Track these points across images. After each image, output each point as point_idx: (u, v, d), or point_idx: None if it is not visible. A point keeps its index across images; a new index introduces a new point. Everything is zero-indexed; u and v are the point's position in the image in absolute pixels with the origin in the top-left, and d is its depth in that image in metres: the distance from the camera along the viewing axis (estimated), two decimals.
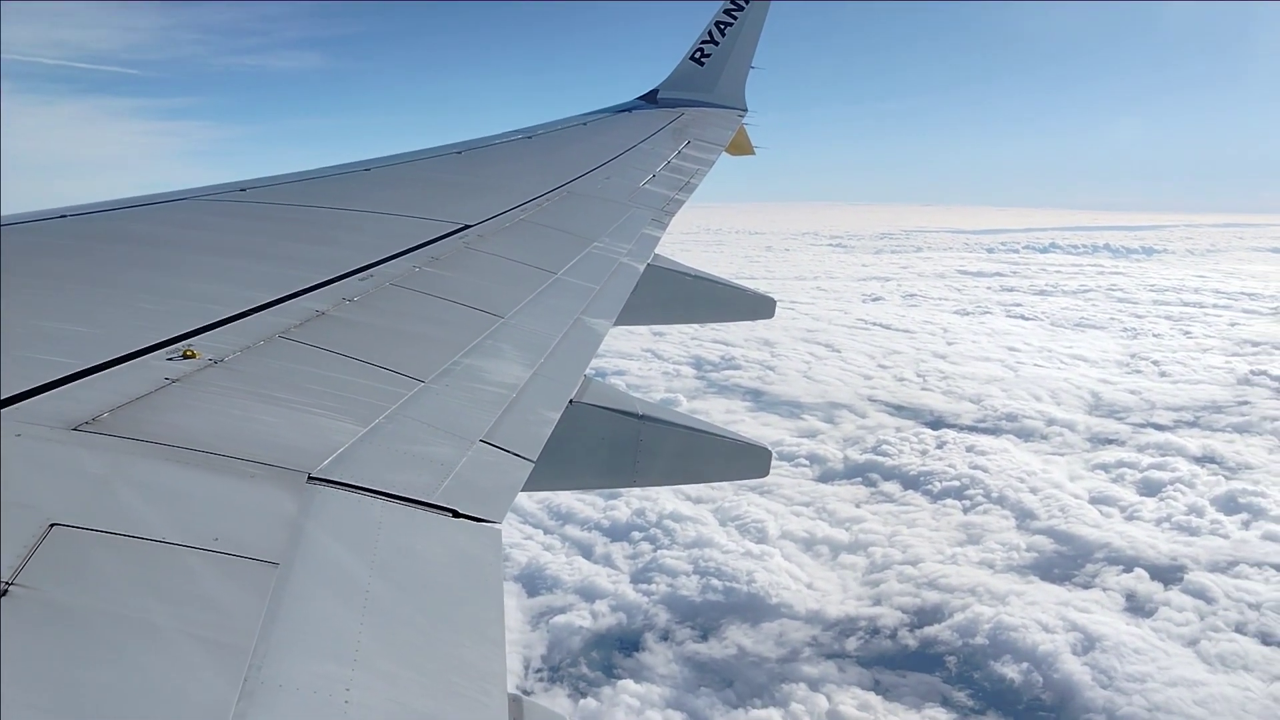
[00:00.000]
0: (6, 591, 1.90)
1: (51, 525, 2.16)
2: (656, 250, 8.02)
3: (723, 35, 17.17)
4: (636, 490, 41.59)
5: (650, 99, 16.97)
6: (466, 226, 6.59)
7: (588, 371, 4.97)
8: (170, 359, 3.38)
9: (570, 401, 4.35)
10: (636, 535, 38.53)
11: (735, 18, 17.08)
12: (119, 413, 2.85)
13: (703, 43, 17.27)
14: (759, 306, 9.41)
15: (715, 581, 34.72)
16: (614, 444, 5.02)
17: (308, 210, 6.93)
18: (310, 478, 2.75)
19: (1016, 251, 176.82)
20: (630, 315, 6.51)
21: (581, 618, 32.50)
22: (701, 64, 17.22)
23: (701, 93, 17.15)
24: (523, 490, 3.31)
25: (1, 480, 2.30)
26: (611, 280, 6.38)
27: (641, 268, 7.05)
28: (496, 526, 2.87)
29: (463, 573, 2.61)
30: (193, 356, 3.41)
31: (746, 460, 5.80)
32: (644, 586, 34.69)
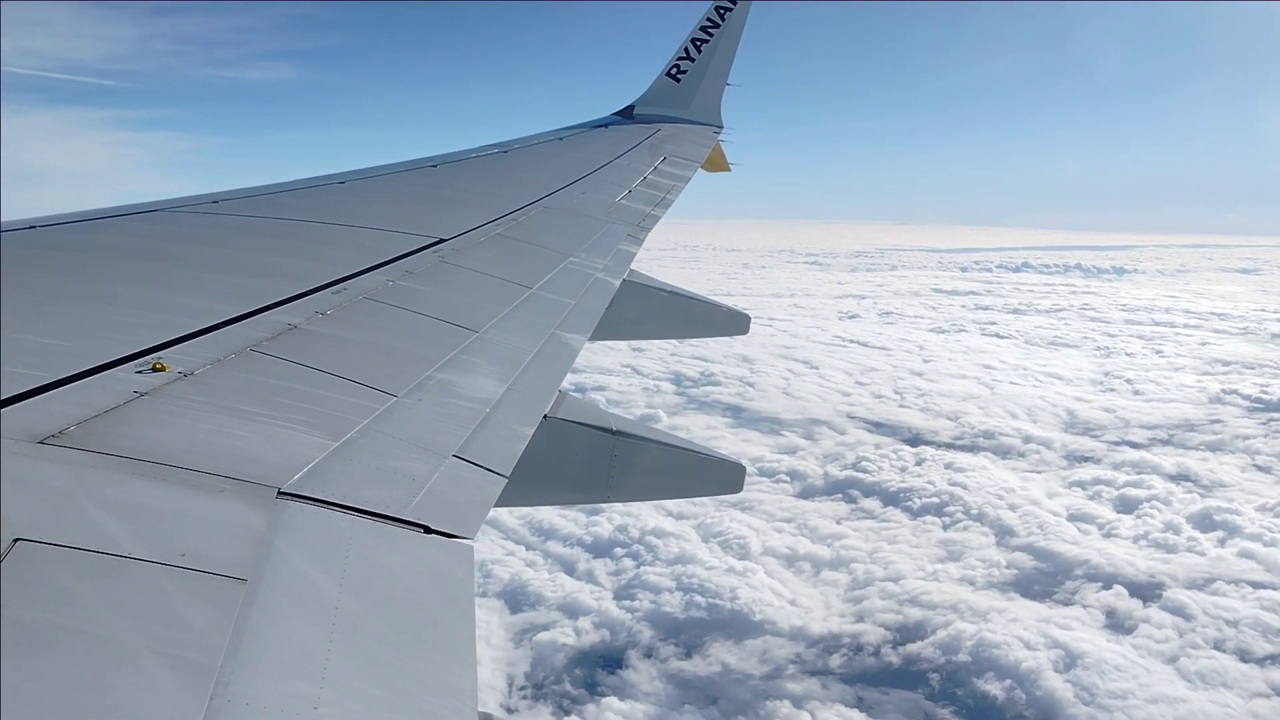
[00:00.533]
0: None
1: (15, 540, 2.12)
2: (632, 266, 8.02)
3: (699, 51, 17.17)
4: (619, 506, 41.51)
5: (626, 115, 16.93)
6: (441, 240, 6.56)
7: (564, 386, 4.97)
8: (139, 372, 3.33)
9: (544, 416, 4.34)
10: (619, 551, 38.43)
11: (711, 34, 17.10)
12: (87, 426, 2.81)
13: (679, 59, 17.27)
14: (734, 323, 9.42)
15: (698, 598, 34.66)
16: (588, 459, 5.00)
17: (280, 223, 6.88)
18: (280, 493, 2.72)
19: (990, 270, 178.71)
20: (606, 330, 6.51)
21: (565, 635, 32.34)
22: (678, 80, 17.22)
23: (678, 109, 17.12)
24: (496, 506, 3.29)
25: None
26: (587, 295, 6.38)
27: (617, 283, 7.06)
28: (468, 543, 2.83)
29: (434, 589, 2.59)
30: (162, 369, 3.36)
31: (721, 476, 5.78)
32: (627, 603, 34.57)
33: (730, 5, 16.99)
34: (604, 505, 41.50)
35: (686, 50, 17.24)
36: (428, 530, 2.82)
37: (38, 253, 5.02)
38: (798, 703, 29.39)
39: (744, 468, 5.83)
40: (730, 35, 17.16)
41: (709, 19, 17.06)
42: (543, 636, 32.18)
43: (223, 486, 2.66)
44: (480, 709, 2.23)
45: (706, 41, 17.16)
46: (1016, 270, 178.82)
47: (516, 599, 34.63)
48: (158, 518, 2.44)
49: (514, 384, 4.32)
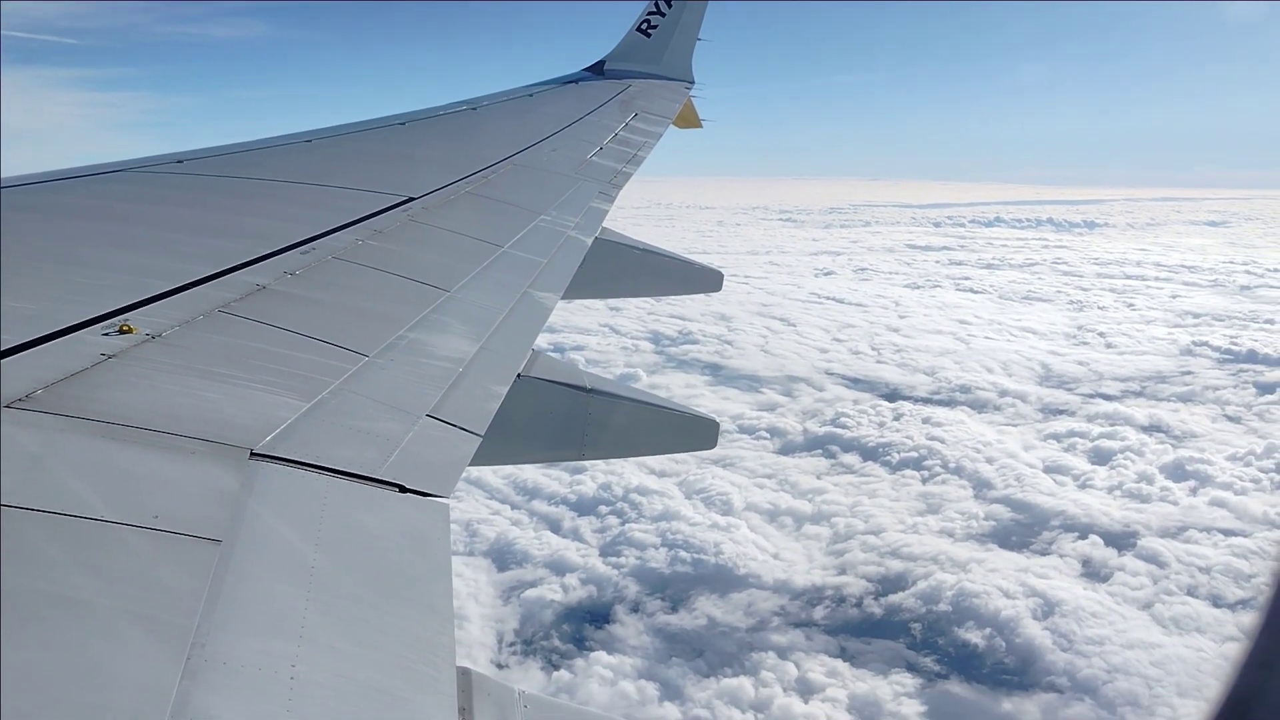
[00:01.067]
0: None
1: None
2: (604, 224, 8.03)
3: (669, 6, 17.01)
4: (601, 465, 41.69)
5: (597, 70, 16.80)
6: (410, 199, 6.52)
7: (542, 346, 4.89)
8: (106, 334, 3.28)
9: (518, 375, 4.35)
10: (604, 509, 38.69)
11: None
12: (54, 389, 2.77)
13: (649, 14, 17.11)
14: (707, 280, 9.44)
15: (683, 554, 35.01)
16: (562, 417, 5.01)
17: (247, 183, 6.80)
18: (252, 454, 2.69)
19: (963, 226, 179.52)
20: (578, 289, 6.54)
21: (552, 591, 32.63)
22: (648, 35, 17.08)
23: (648, 65, 17.00)
24: (471, 465, 3.28)
25: None
26: (559, 254, 6.37)
27: (589, 241, 7.04)
28: (444, 501, 2.84)
29: (410, 548, 2.58)
30: (129, 331, 3.32)
31: (694, 432, 5.86)
32: (613, 560, 34.88)
33: None
34: (587, 464, 41.86)
35: (657, 5, 17.08)
36: (403, 490, 2.82)
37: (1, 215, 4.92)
38: (782, 654, 29.82)
39: (718, 424, 5.91)
40: None
41: None
42: (530, 593, 32.46)
43: (194, 448, 2.63)
44: (461, 664, 2.25)
45: None
46: (989, 225, 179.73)
47: (503, 557, 34.86)
48: (129, 480, 2.42)
49: (486, 343, 4.30)
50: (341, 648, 2.09)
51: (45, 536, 2.07)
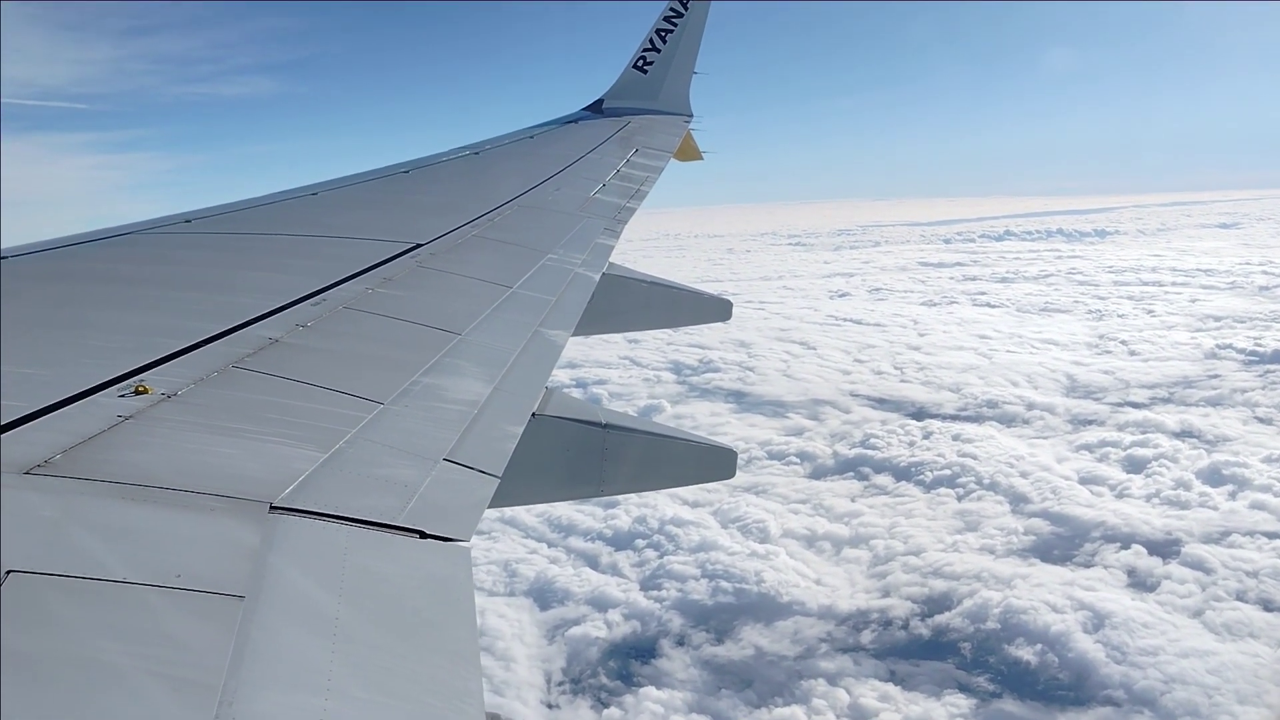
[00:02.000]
0: None
1: (8, 573, 2.11)
2: (611, 258, 8.01)
3: (664, 42, 17.17)
4: (634, 498, 41.65)
5: (596, 109, 16.94)
6: (418, 245, 6.52)
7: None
8: (122, 396, 3.29)
9: (533, 415, 4.33)
10: (640, 543, 38.54)
11: (675, 24, 17.13)
12: (72, 453, 2.79)
13: (645, 50, 17.27)
14: (716, 309, 9.40)
15: (724, 584, 34.80)
16: (579, 454, 5.00)
17: (256, 238, 6.85)
18: (272, 507, 2.69)
19: (973, 241, 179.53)
20: (589, 325, 6.49)
21: (596, 628, 32.47)
22: (645, 72, 17.23)
23: (646, 100, 17.14)
24: (490, 506, 3.26)
25: None
26: (568, 291, 6.33)
27: (597, 277, 7.02)
28: (465, 545, 2.82)
29: (433, 593, 2.58)
30: (145, 392, 3.32)
31: (713, 462, 5.81)
32: (654, 593, 34.70)
33: None
34: (619, 498, 41.89)
35: (651, 42, 17.24)
36: (423, 535, 2.81)
37: (11, 283, 4.96)
38: (832, 680, 29.54)
39: (735, 453, 5.84)
40: (694, 24, 17.21)
41: (672, 9, 17.10)
42: (575, 631, 32.30)
43: (214, 505, 2.64)
44: (493, 709, 2.24)
45: (671, 32, 17.19)
46: (999, 239, 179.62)
47: (545, 596, 34.74)
48: (150, 540, 2.43)
49: (500, 384, 4.29)
50: (369, 698, 2.09)
51: (68, 601, 2.07)
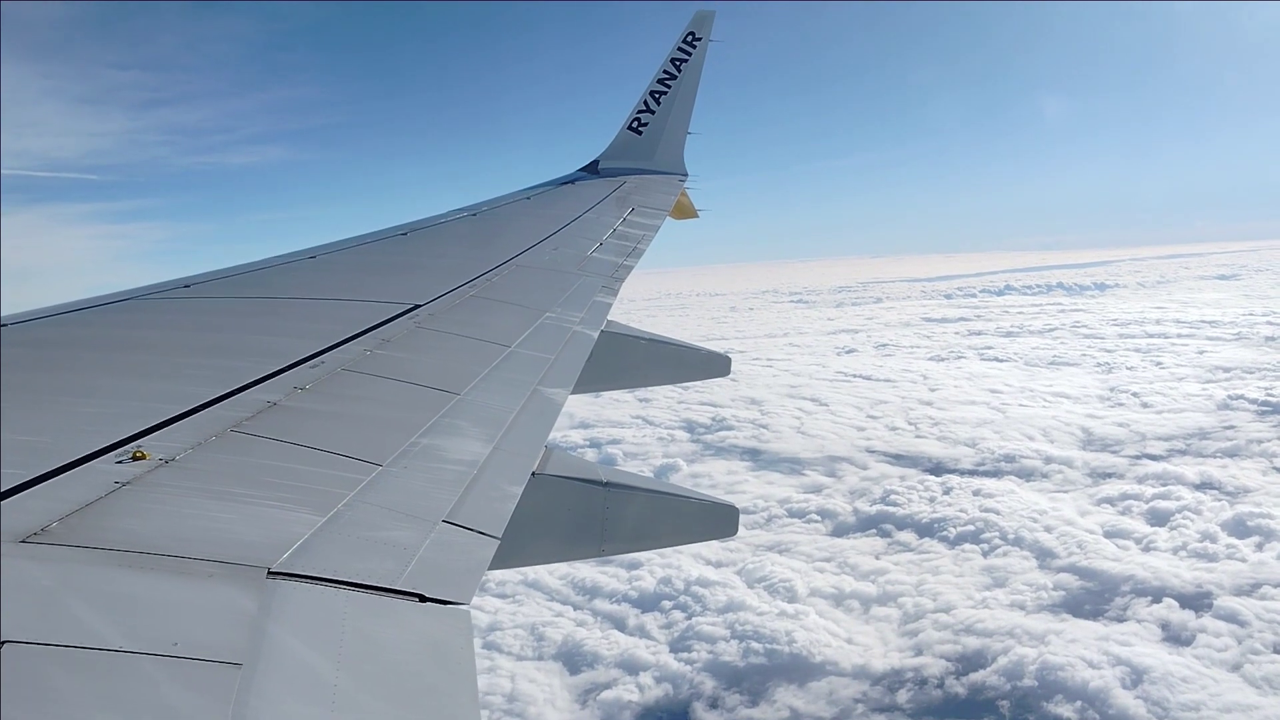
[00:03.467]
0: None
1: (3, 643, 2.09)
2: (614, 317, 8.03)
3: (658, 103, 17.41)
4: (657, 559, 41.48)
5: (591, 170, 17.06)
6: (416, 306, 6.50)
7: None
8: (120, 462, 3.27)
9: (533, 474, 4.27)
10: (667, 604, 38.25)
11: (669, 86, 17.40)
12: (68, 521, 2.76)
13: (639, 112, 17.50)
14: (715, 365, 9.31)
15: (755, 644, 34.48)
16: (580, 514, 4.93)
17: (254, 301, 6.84)
18: (270, 573, 2.66)
19: (974, 296, 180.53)
20: (588, 383, 6.47)
21: (629, 692, 32.10)
22: (639, 133, 17.42)
23: (641, 160, 17.28)
24: (491, 568, 3.22)
25: None
26: (566, 349, 6.30)
27: (595, 334, 6.99)
28: (465, 607, 2.78)
29: (432, 658, 2.55)
30: (143, 458, 3.30)
31: (715, 519, 5.69)
32: (684, 655, 34.36)
33: (686, 56, 17.33)
34: (643, 559, 41.65)
35: (646, 103, 17.49)
36: (422, 599, 2.78)
37: (6, 350, 4.94)
38: None
39: (737, 510, 5.74)
40: (688, 85, 17.48)
41: (666, 71, 17.40)
42: (607, 695, 31.95)
43: (211, 571, 2.62)
44: None
45: (665, 93, 17.45)
46: (1000, 294, 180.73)
47: (574, 659, 34.39)
48: (147, 608, 2.41)
49: (499, 443, 4.25)
50: None
51: (63, 671, 2.05)
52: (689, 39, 17.29)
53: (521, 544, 4.39)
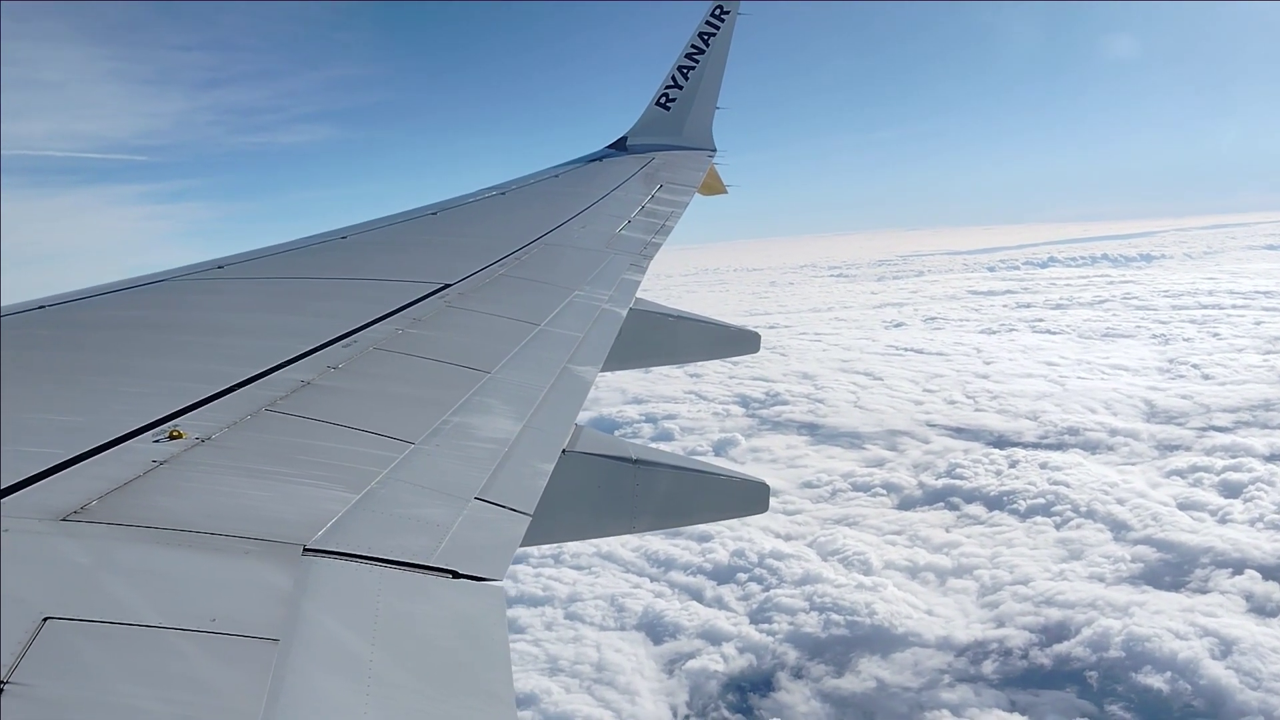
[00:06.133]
0: (3, 690, 1.87)
1: (45, 619, 2.12)
2: (650, 294, 8.05)
3: (686, 79, 17.32)
4: (728, 533, 41.85)
5: (619, 146, 17.07)
6: (447, 285, 6.53)
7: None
8: (157, 441, 3.31)
9: (563, 451, 4.30)
10: (742, 576, 38.60)
11: (697, 60, 17.29)
12: (107, 500, 2.80)
13: (667, 88, 17.41)
14: (745, 342, 9.31)
15: (835, 616, 34.75)
16: (610, 490, 4.96)
17: (287, 282, 6.90)
18: (305, 549, 2.70)
19: (1018, 268, 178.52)
20: (618, 360, 6.49)
21: (713, 662, 32.54)
22: (667, 109, 17.36)
23: (670, 136, 17.24)
24: (523, 545, 3.26)
25: None
26: (595, 327, 6.31)
27: (624, 312, 7.00)
28: (498, 584, 2.82)
29: (466, 634, 2.58)
30: (179, 437, 3.34)
31: (746, 496, 5.71)
32: (765, 626, 34.72)
33: (714, 30, 17.16)
34: (713, 531, 42.01)
35: (674, 78, 17.40)
36: (455, 575, 2.80)
37: (46, 332, 5.03)
38: (956, 711, 29.51)
39: (768, 486, 5.76)
40: (716, 60, 17.34)
41: (694, 45, 17.26)
42: (692, 665, 32.41)
43: (248, 548, 2.65)
44: None
45: (693, 68, 17.33)
46: (1044, 266, 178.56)
47: (655, 630, 34.86)
48: (185, 585, 2.44)
49: (530, 421, 4.28)
50: None
51: (103, 647, 2.08)
52: (716, 13, 17.16)
53: (553, 520, 4.39)
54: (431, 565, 2.81)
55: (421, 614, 2.61)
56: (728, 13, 17.13)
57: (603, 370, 5.68)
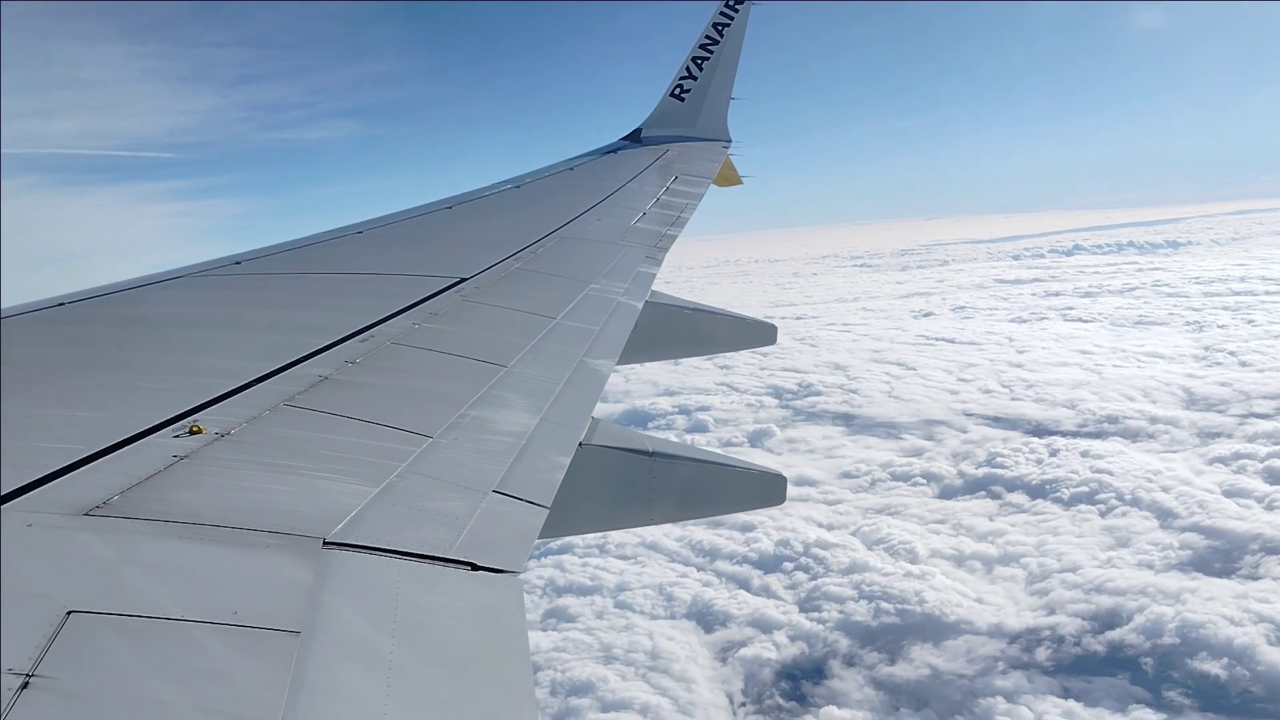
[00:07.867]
0: (28, 684, 1.89)
1: (69, 613, 2.14)
2: (668, 286, 8.05)
3: (700, 69, 17.28)
4: (771, 522, 42.03)
5: (634, 138, 17.05)
6: (463, 279, 6.56)
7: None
8: (177, 436, 3.35)
9: (580, 444, 4.32)
10: (788, 565, 38.77)
11: (712, 51, 17.23)
12: (129, 494, 2.84)
13: (681, 79, 17.38)
14: (761, 334, 9.28)
15: (884, 604, 34.91)
16: (627, 483, 4.99)
17: (304, 277, 6.94)
18: (325, 543, 2.72)
19: (1043, 256, 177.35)
20: (634, 353, 6.51)
21: (766, 649, 32.77)
22: (682, 100, 17.34)
23: (684, 128, 17.23)
24: (540, 537, 3.28)
25: (6, 571, 2.31)
26: (611, 320, 6.34)
27: (640, 305, 7.01)
28: (516, 576, 2.84)
29: (485, 626, 2.60)
30: (199, 432, 3.38)
31: (763, 488, 5.71)
32: (814, 614, 34.91)
33: (728, 21, 17.10)
34: (756, 521, 42.14)
35: (688, 69, 17.37)
36: (474, 567, 2.83)
37: (68, 329, 5.10)
38: (1010, 698, 29.61)
39: (785, 478, 5.75)
40: (731, 50, 17.29)
41: (708, 36, 17.20)
42: (745, 652, 32.65)
43: (269, 542, 2.68)
44: None
45: (707, 59, 17.28)
46: (1069, 254, 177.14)
47: (706, 619, 35.11)
48: (207, 578, 2.46)
49: (547, 414, 4.32)
50: None
51: (127, 641, 2.10)
52: (731, 3, 17.12)
53: (570, 513, 4.45)
54: (450, 558, 2.85)
55: (441, 606, 2.64)
56: (742, 3, 17.13)
57: (619, 363, 5.71)
